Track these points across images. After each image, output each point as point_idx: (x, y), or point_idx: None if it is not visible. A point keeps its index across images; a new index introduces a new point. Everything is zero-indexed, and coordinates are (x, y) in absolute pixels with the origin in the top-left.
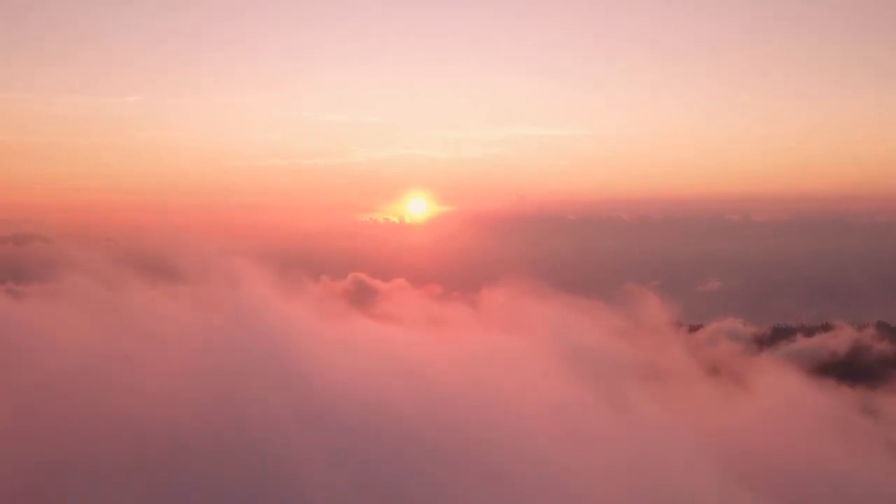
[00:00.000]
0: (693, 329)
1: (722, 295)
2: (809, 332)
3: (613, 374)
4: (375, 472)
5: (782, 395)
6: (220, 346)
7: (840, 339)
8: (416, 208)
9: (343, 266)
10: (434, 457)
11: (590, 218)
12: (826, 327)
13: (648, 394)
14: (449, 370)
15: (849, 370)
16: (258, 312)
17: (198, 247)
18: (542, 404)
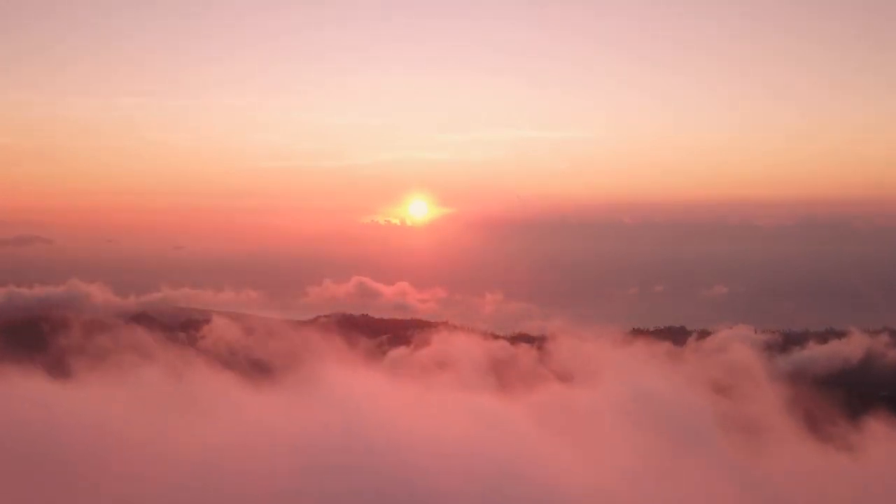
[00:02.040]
0: (702, 336)
1: (728, 300)
2: (822, 338)
3: (702, 429)
4: None
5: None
6: (320, 443)
7: (853, 346)
8: (418, 210)
9: (346, 268)
10: None
11: (591, 221)
12: (839, 333)
13: (746, 453)
14: (539, 437)
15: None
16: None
17: None
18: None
